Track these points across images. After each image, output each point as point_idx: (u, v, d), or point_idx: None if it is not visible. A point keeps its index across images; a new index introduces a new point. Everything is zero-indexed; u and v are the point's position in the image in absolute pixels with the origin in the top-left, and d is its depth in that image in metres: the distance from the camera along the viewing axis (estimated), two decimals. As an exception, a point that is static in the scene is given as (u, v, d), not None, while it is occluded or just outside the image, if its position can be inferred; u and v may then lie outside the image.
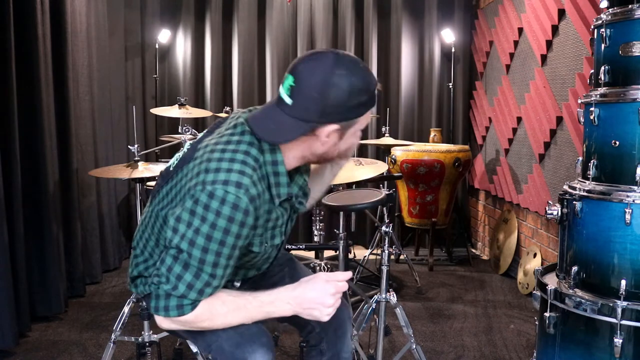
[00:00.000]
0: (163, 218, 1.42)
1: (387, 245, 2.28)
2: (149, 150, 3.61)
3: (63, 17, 3.42)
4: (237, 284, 1.58)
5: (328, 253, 3.70)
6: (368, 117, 1.41)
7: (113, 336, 2.41)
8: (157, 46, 4.83)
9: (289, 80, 1.32)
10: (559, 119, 3.45)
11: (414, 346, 2.39)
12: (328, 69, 1.30)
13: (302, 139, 1.36)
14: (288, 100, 1.32)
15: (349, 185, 3.31)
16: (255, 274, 1.62)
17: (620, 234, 1.87)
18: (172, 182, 1.43)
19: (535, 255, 3.75)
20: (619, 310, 1.79)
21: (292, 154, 1.40)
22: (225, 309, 1.38)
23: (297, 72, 1.31)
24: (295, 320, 1.60)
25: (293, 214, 1.54)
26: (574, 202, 1.97)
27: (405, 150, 4.28)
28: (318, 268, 3.21)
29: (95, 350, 2.84)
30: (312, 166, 1.64)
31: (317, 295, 1.40)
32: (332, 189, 2.88)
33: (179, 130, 2.95)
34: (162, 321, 1.38)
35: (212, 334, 1.41)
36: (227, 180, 1.28)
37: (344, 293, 1.51)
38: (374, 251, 4.06)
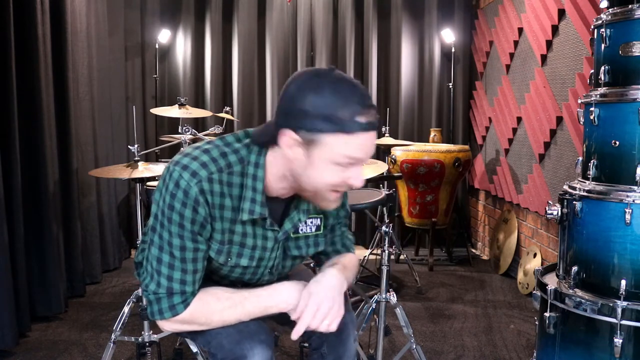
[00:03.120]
0: None
1: (387, 245, 2.28)
2: (149, 150, 3.60)
3: (63, 17, 3.42)
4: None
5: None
6: (340, 147, 1.25)
7: (113, 336, 2.42)
8: (157, 46, 4.83)
9: None
10: (559, 119, 3.45)
11: (414, 346, 2.39)
12: (310, 76, 1.28)
13: (278, 153, 1.33)
14: None
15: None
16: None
17: (620, 234, 1.87)
18: None
19: (535, 255, 3.75)
20: (619, 310, 1.79)
21: (274, 171, 1.36)
22: (221, 306, 1.38)
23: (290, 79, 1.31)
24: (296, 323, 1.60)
25: (283, 251, 1.49)
26: (574, 202, 1.97)
27: (405, 150, 4.28)
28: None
29: (95, 350, 2.84)
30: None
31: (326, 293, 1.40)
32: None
33: (179, 130, 2.94)
34: (162, 324, 1.40)
35: (211, 331, 1.41)
36: (186, 166, 1.32)
37: (345, 296, 1.50)
38: (374, 251, 4.06)
